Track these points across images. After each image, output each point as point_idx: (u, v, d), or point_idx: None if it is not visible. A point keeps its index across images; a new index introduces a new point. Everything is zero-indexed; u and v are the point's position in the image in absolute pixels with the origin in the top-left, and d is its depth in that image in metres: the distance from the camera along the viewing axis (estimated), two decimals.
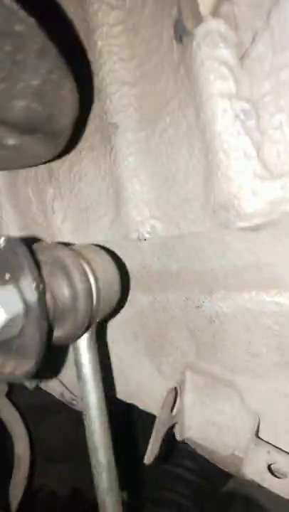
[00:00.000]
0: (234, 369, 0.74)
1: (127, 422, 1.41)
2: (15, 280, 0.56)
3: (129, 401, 0.92)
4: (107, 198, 0.81)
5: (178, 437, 0.82)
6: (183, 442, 0.84)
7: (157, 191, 0.73)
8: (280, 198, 0.61)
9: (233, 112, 0.60)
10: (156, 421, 0.77)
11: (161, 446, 0.78)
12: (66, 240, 0.90)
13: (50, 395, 1.10)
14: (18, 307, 0.56)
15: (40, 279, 0.55)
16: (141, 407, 0.90)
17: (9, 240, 0.57)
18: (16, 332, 0.57)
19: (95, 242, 0.85)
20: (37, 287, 0.54)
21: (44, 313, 0.55)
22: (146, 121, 0.72)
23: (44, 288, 0.57)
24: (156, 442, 0.77)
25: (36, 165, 0.84)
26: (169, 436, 0.82)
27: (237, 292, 0.70)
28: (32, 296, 0.54)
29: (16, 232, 1.01)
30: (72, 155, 0.85)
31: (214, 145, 0.62)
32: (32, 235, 0.98)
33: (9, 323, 0.55)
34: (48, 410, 1.59)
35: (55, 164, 0.88)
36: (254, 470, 0.72)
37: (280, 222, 0.63)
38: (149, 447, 0.77)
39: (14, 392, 1.48)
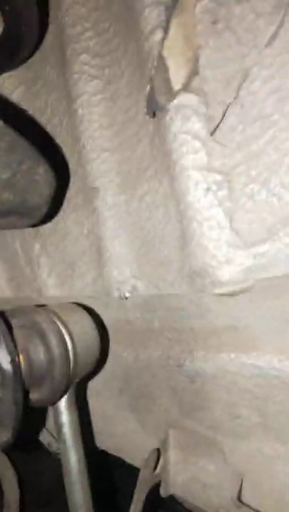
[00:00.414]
0: (216, 429, 0.75)
1: (108, 481, 1.39)
2: None
3: (112, 452, 0.92)
4: (90, 257, 0.82)
5: (162, 494, 0.82)
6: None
7: (137, 253, 0.75)
8: (254, 266, 0.62)
9: (205, 184, 0.62)
10: (138, 481, 0.77)
11: (144, 506, 0.78)
12: (51, 293, 0.91)
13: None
14: None
15: (15, 351, 0.57)
16: (124, 459, 0.91)
17: None
18: None
19: (79, 296, 0.87)
20: (12, 360, 0.55)
21: (19, 386, 0.56)
22: (126, 186, 0.74)
23: (19, 360, 0.58)
24: (139, 502, 0.77)
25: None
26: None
27: (217, 353, 0.71)
28: (7, 367, 0.55)
29: (3, 283, 1.03)
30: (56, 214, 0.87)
31: (188, 215, 0.64)
32: (19, 286, 0.99)
33: None
34: (39, 451, 1.58)
35: None
36: None
37: (255, 288, 0.64)
38: (132, 507, 0.77)
39: None
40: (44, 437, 1.06)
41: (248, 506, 0.72)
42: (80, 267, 0.86)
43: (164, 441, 0.79)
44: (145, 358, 0.81)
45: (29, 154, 0.49)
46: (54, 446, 1.02)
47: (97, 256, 0.81)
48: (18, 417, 0.55)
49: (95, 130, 0.75)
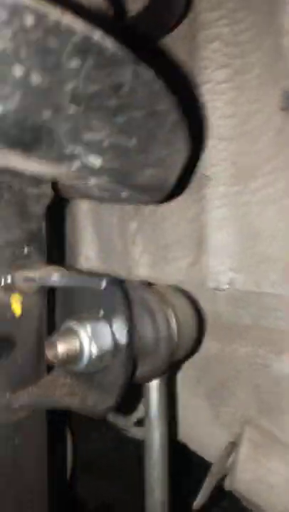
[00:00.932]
0: None
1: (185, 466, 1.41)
2: (108, 318, 0.59)
3: (182, 440, 0.93)
4: (189, 242, 0.83)
5: (227, 487, 0.82)
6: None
7: (241, 246, 0.75)
8: None
9: None
10: (211, 470, 0.78)
11: (211, 494, 0.79)
12: (141, 272, 0.93)
13: None
14: (108, 345, 0.58)
15: (132, 322, 0.58)
16: (193, 448, 0.91)
17: (110, 282, 0.59)
18: (102, 367, 0.60)
19: (170, 281, 0.88)
20: (129, 331, 0.56)
21: (132, 356, 0.57)
22: (240, 178, 0.74)
23: (134, 331, 0.58)
24: (208, 490, 0.78)
25: None
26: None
27: None
28: (123, 337, 0.57)
29: (93, 255, 1.05)
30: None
31: None
32: (107, 260, 1.01)
33: (99, 358, 0.58)
34: (93, 424, 1.62)
35: None
36: None
37: None
38: (200, 494, 0.78)
39: None
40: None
41: None
42: (175, 251, 0.86)
43: (238, 437, 0.79)
44: (230, 351, 0.81)
45: (184, 136, 0.50)
46: (120, 423, 1.03)
47: (197, 243, 0.81)
48: (124, 385, 0.56)
49: (217, 118, 0.75)
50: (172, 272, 0.87)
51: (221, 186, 0.76)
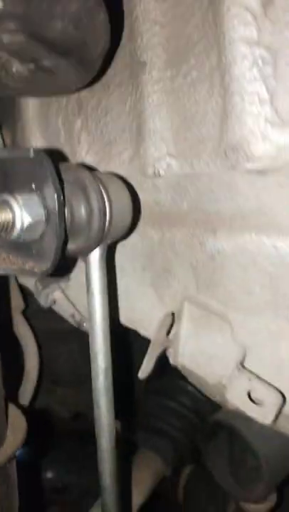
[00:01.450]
0: (228, 304, 0.80)
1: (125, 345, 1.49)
2: (39, 189, 0.63)
3: (131, 326, 1.00)
4: (130, 134, 0.86)
5: (171, 361, 0.90)
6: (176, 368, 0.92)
7: (176, 130, 0.78)
8: (287, 145, 0.65)
9: (252, 58, 0.64)
10: (152, 340, 0.85)
11: (155, 366, 0.86)
12: None
13: (62, 322, 1.19)
14: (41, 214, 0.63)
15: (61, 190, 0.61)
16: (142, 332, 0.98)
17: (37, 151, 0.62)
18: (37, 236, 0.64)
19: None
20: (58, 197, 0.60)
21: (62, 220, 0.61)
22: (173, 61, 0.75)
23: (64, 198, 0.62)
24: (151, 360, 0.85)
25: (67, 93, 0.89)
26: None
27: (239, 234, 0.75)
28: (53, 204, 0.60)
29: None
30: (101, 89, 0.89)
31: (231, 88, 0.65)
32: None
33: (32, 227, 0.62)
34: (58, 337, 1.69)
35: (84, 97, 0.93)
36: (235, 395, 0.79)
37: (286, 170, 0.67)
38: (144, 363, 0.85)
39: (29, 317, 1.56)
40: (67, 310, 1.14)
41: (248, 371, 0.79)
42: (118, 144, 0.89)
43: (179, 312, 0.86)
44: (170, 236, 0.86)
45: None
46: (77, 317, 1.10)
47: (136, 133, 0.84)
48: (58, 251, 0.61)
49: (148, 2, 0.76)
50: (116, 167, 0.90)
51: (154, 71, 0.78)
